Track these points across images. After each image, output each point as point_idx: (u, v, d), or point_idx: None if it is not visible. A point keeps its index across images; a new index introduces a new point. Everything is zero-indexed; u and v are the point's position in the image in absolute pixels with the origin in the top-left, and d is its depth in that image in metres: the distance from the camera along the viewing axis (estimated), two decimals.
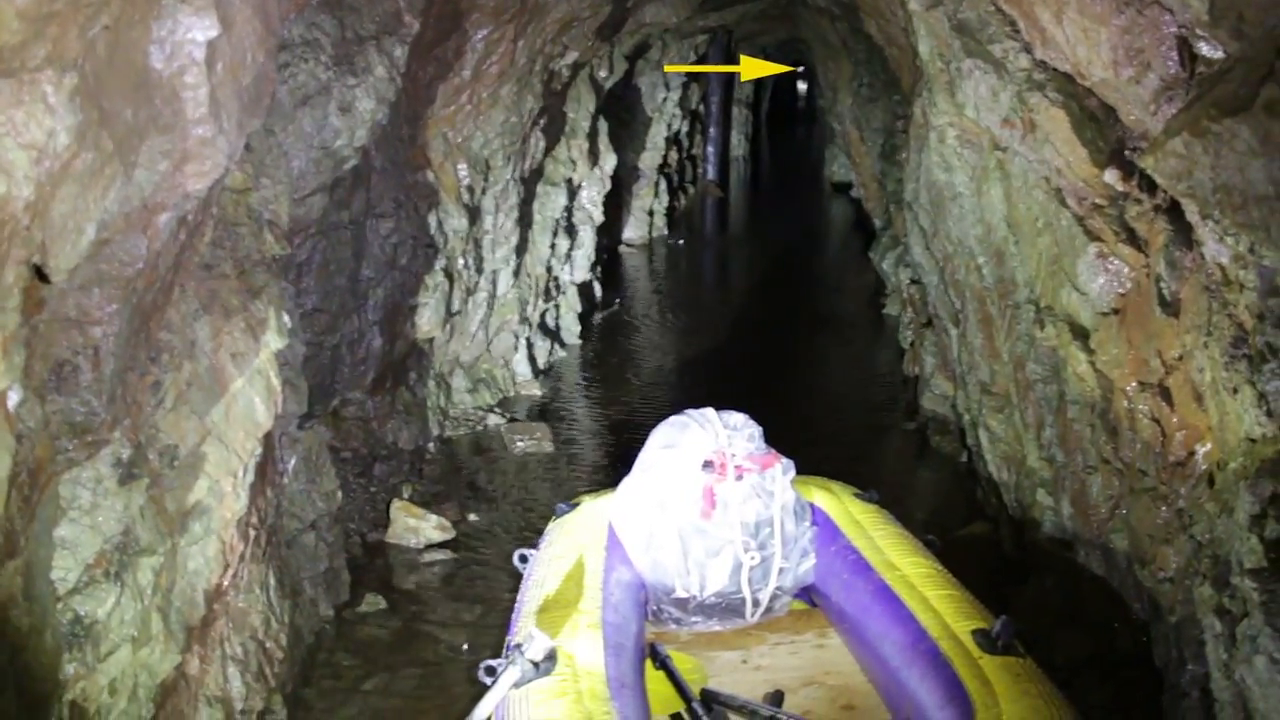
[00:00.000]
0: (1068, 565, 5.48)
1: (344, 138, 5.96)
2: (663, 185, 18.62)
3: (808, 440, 5.66)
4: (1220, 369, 3.86)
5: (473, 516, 7.33)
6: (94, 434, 3.53)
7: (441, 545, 6.88)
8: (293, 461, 5.35)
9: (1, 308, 2.89)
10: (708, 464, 4.65)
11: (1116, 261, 4.88)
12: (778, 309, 14.01)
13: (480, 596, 6.24)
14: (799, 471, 4.90)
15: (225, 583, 4.38)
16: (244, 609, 4.58)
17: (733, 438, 4.72)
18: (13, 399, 3.07)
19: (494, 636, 5.54)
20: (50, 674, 3.34)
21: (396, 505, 7.09)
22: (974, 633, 3.73)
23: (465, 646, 5.66)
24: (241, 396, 4.43)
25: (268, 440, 4.75)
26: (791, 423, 6.10)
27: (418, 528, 6.96)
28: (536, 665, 3.68)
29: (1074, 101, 4.95)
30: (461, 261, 8.57)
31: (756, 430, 4.82)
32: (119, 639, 3.65)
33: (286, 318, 4.78)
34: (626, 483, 4.86)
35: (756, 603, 4.71)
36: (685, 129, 20.53)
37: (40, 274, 3.10)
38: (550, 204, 10.83)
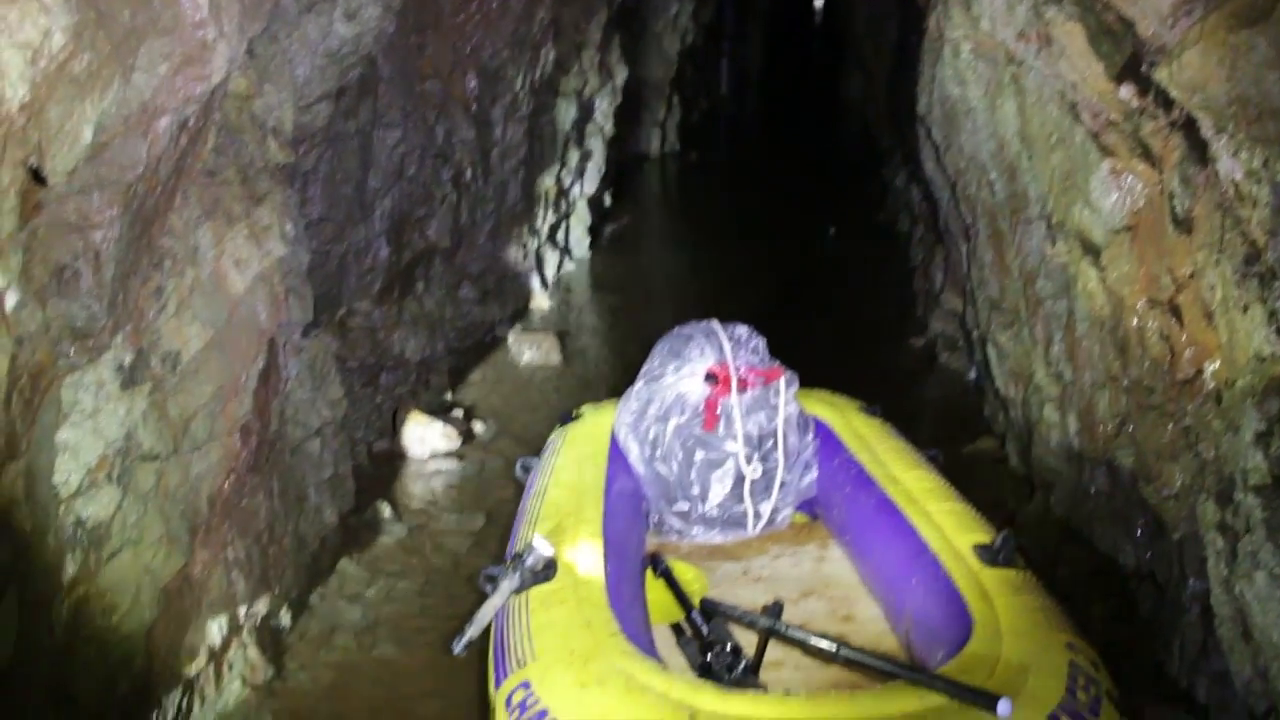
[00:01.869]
0: (1073, 482, 5.48)
1: (349, 45, 5.88)
2: (675, 99, 18.46)
3: (813, 354, 5.62)
4: (1231, 287, 3.82)
5: (479, 426, 7.35)
6: (95, 338, 3.52)
7: (447, 454, 6.91)
8: (296, 369, 5.33)
9: None
10: (711, 376, 4.64)
11: (1130, 178, 4.82)
12: (788, 224, 13.92)
13: (484, 505, 6.27)
14: (804, 385, 4.89)
15: (228, 487, 4.39)
16: (247, 514, 4.59)
17: (736, 350, 4.70)
18: (10, 301, 3.07)
19: (497, 545, 5.58)
20: (53, 576, 3.36)
21: (403, 415, 7.10)
22: (975, 546, 3.71)
23: (468, 554, 5.69)
24: (244, 303, 4.42)
25: (270, 347, 4.74)
26: (797, 336, 6.04)
27: (424, 437, 6.98)
28: (536, 573, 3.70)
29: (1091, 14, 4.86)
30: (470, 173, 8.51)
31: (761, 342, 4.80)
32: (121, 542, 3.67)
33: (290, 225, 4.76)
34: (629, 393, 4.86)
35: (758, 515, 4.72)
36: (699, 43, 20.32)
37: (37, 176, 3.08)
38: (561, 116, 10.73)
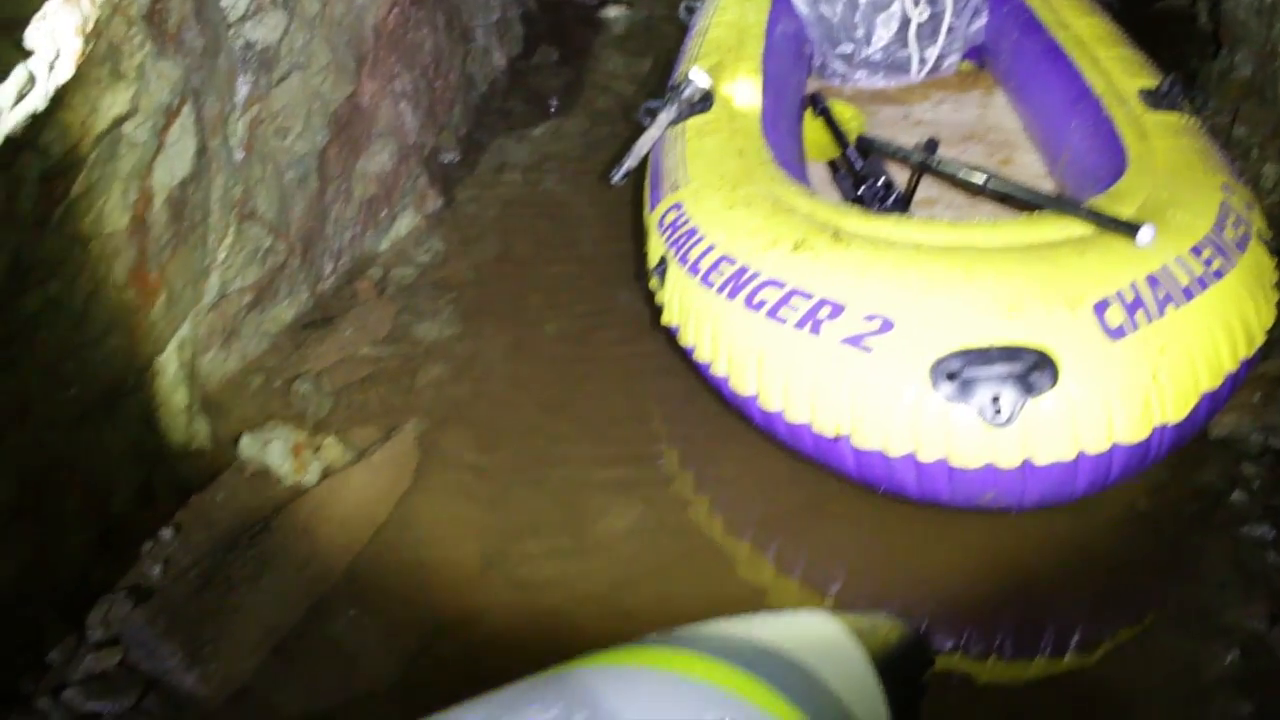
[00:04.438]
0: (1261, 38, 5.23)
1: None
2: None
3: None
4: None
5: None
6: None
7: (617, 2, 6.84)
8: None
9: None
10: None
11: None
12: None
13: (652, 51, 6.21)
14: None
15: (392, 19, 4.45)
16: (413, 48, 4.67)
17: None
18: None
19: (662, 89, 5.61)
20: (226, 95, 3.50)
21: None
22: (1140, 90, 3.60)
23: (634, 96, 5.72)
24: None
25: None
26: None
27: None
28: (693, 104, 3.75)
29: None
30: None
31: None
32: (290, 66, 3.78)
33: None
34: None
35: (923, 60, 4.65)
36: None
37: None
38: None
